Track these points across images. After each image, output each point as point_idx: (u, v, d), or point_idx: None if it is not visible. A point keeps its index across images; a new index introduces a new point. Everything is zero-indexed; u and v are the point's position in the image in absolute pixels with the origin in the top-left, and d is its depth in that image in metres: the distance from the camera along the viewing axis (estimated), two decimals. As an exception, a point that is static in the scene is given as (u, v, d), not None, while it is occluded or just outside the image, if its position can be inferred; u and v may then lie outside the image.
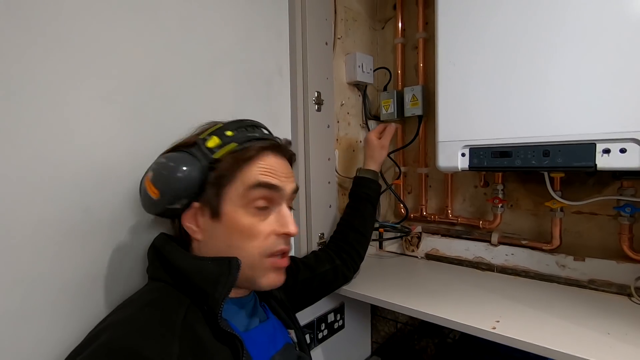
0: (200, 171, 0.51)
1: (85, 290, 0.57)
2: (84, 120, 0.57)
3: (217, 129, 0.54)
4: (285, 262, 0.57)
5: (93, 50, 0.58)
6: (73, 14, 0.56)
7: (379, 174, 0.98)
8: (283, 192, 0.55)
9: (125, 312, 0.47)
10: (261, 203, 0.53)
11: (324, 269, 0.82)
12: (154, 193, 0.51)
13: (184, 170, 0.50)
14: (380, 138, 0.98)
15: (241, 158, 0.52)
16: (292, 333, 0.66)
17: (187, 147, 0.53)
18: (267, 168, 0.54)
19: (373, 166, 0.96)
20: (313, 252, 0.90)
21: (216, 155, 0.51)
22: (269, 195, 0.54)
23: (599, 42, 0.65)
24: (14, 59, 0.50)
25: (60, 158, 0.55)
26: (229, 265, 0.50)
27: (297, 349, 0.65)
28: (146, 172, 0.54)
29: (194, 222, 0.53)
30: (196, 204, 0.53)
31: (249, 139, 0.54)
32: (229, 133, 0.53)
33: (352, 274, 0.89)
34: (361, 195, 0.93)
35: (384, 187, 1.15)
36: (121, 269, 0.61)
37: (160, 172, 0.51)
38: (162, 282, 0.52)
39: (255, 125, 0.57)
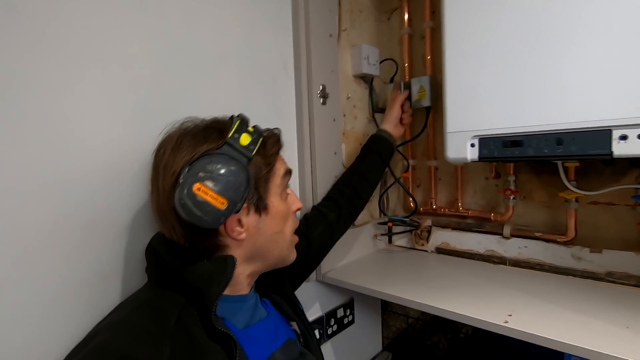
0: (247, 170, 0.50)
1: (94, 288, 0.58)
2: (90, 120, 0.57)
3: (238, 126, 0.52)
4: (297, 237, 0.64)
5: (97, 49, 0.58)
6: (76, 12, 0.56)
7: (394, 138, 0.99)
8: None
9: (119, 314, 0.47)
10: (287, 188, 0.60)
11: (317, 231, 0.82)
12: (221, 203, 0.47)
13: (242, 172, 0.49)
14: (403, 117, 1.02)
15: (272, 152, 0.56)
16: (294, 325, 0.65)
17: (217, 148, 0.50)
18: (281, 157, 0.60)
19: (388, 127, 0.98)
20: (304, 216, 0.87)
21: (253, 153, 0.52)
22: (289, 179, 0.61)
23: (612, 23, 0.61)
24: (20, 59, 0.51)
25: (68, 157, 0.55)
26: (225, 264, 0.50)
27: (301, 341, 0.64)
28: (187, 186, 0.47)
29: (238, 225, 0.52)
30: (244, 205, 0.52)
31: (264, 132, 0.56)
32: (250, 129, 0.53)
33: (352, 219, 0.90)
34: (372, 148, 0.96)
35: (390, 181, 1.13)
36: (128, 267, 0.62)
37: (221, 179, 0.47)
38: (158, 281, 0.52)
39: (247, 118, 0.57)
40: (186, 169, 0.48)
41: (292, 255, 0.63)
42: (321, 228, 0.82)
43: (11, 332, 0.50)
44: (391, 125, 0.99)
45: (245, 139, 0.52)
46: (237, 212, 0.50)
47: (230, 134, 0.51)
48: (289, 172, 0.60)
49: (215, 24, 0.75)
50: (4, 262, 0.49)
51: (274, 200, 0.56)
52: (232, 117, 0.55)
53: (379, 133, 0.98)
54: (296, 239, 0.64)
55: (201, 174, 0.47)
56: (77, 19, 0.56)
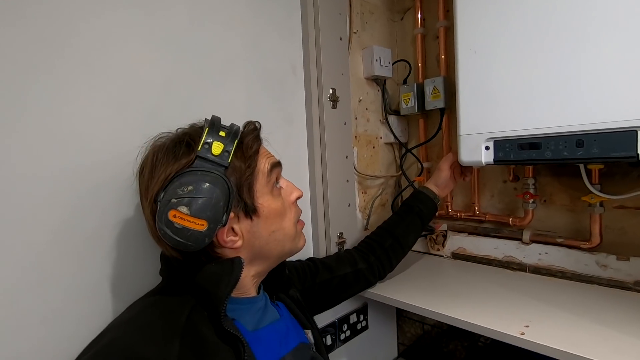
0: (224, 181, 0.48)
1: (104, 290, 0.59)
2: (99, 126, 0.59)
3: (207, 134, 0.50)
4: (303, 223, 0.63)
5: (106, 56, 0.59)
6: (85, 19, 0.57)
7: (439, 199, 0.91)
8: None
9: (130, 313, 0.49)
10: (278, 182, 0.58)
11: (343, 271, 0.80)
12: (200, 225, 0.46)
13: (217, 186, 0.47)
14: (456, 175, 0.92)
15: (251, 152, 0.53)
16: (309, 333, 0.65)
17: (188, 165, 0.48)
18: (264, 151, 0.57)
19: (436, 190, 0.91)
20: (336, 253, 0.88)
21: (230, 160, 0.50)
22: (279, 173, 0.59)
23: (636, 15, 0.58)
24: (31, 68, 0.52)
25: (78, 163, 0.57)
26: (232, 265, 0.50)
27: (314, 349, 0.63)
28: (163, 215, 0.46)
29: (231, 234, 0.52)
30: (231, 215, 0.50)
31: (239, 132, 0.53)
32: (222, 134, 0.50)
33: (377, 280, 0.86)
34: (414, 209, 0.88)
35: (405, 184, 1.11)
36: (138, 270, 0.63)
37: (195, 201, 0.45)
38: (170, 283, 0.53)
39: (218, 119, 0.54)
40: (161, 195, 0.47)
41: (300, 244, 0.61)
42: (349, 269, 0.80)
43: (25, 334, 0.52)
44: (438, 187, 0.91)
45: (217, 147, 0.49)
46: (224, 225, 0.49)
47: (199, 146, 0.48)
48: (276, 166, 0.57)
49: (221, 29, 0.76)
50: (18, 267, 0.51)
51: (263, 201, 0.54)
52: (205, 121, 0.53)
53: (425, 191, 0.90)
54: (301, 226, 0.62)
55: (174, 200, 0.45)
56: (85, 26, 0.57)
